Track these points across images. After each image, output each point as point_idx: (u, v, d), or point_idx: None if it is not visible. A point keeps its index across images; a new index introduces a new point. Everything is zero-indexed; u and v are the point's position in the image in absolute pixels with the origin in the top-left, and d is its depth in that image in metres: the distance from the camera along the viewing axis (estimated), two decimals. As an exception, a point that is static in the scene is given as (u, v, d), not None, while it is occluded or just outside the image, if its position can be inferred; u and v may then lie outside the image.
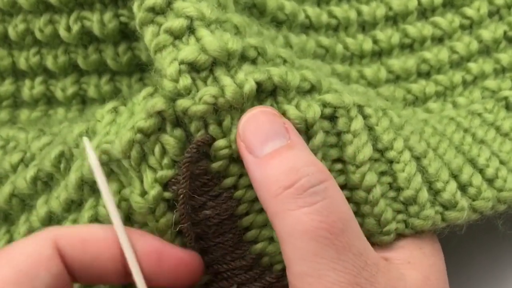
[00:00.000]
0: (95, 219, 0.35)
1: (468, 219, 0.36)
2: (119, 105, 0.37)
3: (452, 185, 0.36)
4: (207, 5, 0.32)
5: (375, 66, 0.44)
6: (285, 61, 0.34)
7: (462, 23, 0.46)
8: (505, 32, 0.46)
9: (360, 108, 0.35)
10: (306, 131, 0.33)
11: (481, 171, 0.38)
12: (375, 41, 0.44)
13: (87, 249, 0.30)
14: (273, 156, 0.30)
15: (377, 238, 0.34)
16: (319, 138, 0.33)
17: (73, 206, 0.36)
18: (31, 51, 0.43)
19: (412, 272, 0.32)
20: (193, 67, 0.31)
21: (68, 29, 0.41)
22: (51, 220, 0.37)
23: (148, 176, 0.33)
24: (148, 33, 0.33)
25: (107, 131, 0.35)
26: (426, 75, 0.45)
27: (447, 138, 0.40)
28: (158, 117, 0.32)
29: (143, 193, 0.33)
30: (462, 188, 0.36)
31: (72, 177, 0.35)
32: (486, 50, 0.46)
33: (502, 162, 0.39)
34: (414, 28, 0.45)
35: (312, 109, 0.33)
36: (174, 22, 0.32)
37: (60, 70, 0.44)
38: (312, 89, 0.34)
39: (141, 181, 0.33)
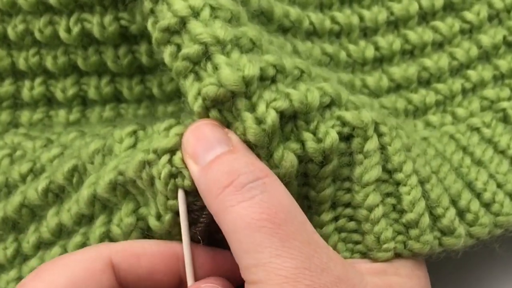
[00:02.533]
0: (107, 236, 0.36)
1: (464, 245, 0.37)
2: (138, 129, 0.37)
3: (451, 212, 0.36)
4: (220, 26, 0.32)
5: (376, 74, 0.44)
6: (302, 72, 0.34)
7: (462, 28, 0.46)
8: (504, 37, 0.46)
9: (376, 125, 0.35)
10: (322, 160, 0.33)
11: (478, 196, 0.39)
12: (377, 48, 0.44)
13: (142, 264, 0.33)
14: (214, 162, 0.31)
15: (375, 254, 0.35)
16: (331, 166, 0.34)
17: (83, 220, 0.37)
18: (30, 52, 0.43)
19: (374, 278, 0.33)
20: (215, 101, 0.32)
21: (68, 30, 0.41)
22: (61, 231, 0.38)
23: (160, 201, 0.33)
24: (166, 54, 0.33)
25: (128, 155, 0.35)
26: (426, 83, 0.45)
27: (447, 160, 0.40)
28: (176, 139, 0.33)
29: (159, 216, 0.34)
30: (460, 214, 0.37)
31: (85, 193, 0.35)
32: (485, 56, 0.46)
33: (499, 185, 0.40)
34: (415, 34, 0.45)
35: (330, 137, 0.33)
36: (191, 49, 0.32)
37: (60, 71, 0.44)
38: (332, 103, 0.35)
39: (156, 204, 0.34)
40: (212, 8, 0.32)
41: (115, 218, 0.35)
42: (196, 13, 0.32)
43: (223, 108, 0.32)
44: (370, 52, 0.44)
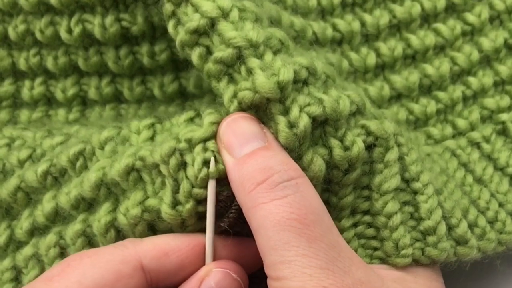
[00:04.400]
0: (112, 225, 0.35)
1: (472, 258, 0.37)
2: (156, 122, 0.37)
3: (465, 223, 0.37)
4: (252, 28, 0.32)
5: (378, 82, 0.44)
6: (328, 77, 0.35)
7: (464, 30, 0.46)
8: (505, 40, 0.46)
9: (395, 136, 0.36)
10: (347, 167, 0.34)
11: (483, 213, 0.39)
12: (378, 55, 0.44)
13: (172, 260, 0.33)
14: (250, 156, 0.31)
15: (394, 260, 0.35)
16: (355, 174, 0.34)
17: (82, 205, 0.36)
18: (31, 52, 0.43)
19: (394, 283, 0.34)
20: (251, 105, 0.32)
21: (69, 31, 0.41)
22: (56, 215, 0.37)
23: (185, 188, 0.33)
24: (195, 56, 0.33)
25: (148, 145, 0.35)
26: (427, 91, 0.45)
27: (452, 177, 0.41)
28: (212, 128, 0.33)
29: (174, 204, 0.33)
30: (469, 228, 0.38)
31: (93, 176, 0.35)
32: (486, 60, 0.46)
33: (500, 205, 0.40)
34: (417, 39, 0.45)
35: (357, 146, 0.34)
36: (224, 53, 0.32)
37: (60, 71, 0.43)
38: (357, 112, 0.35)
39: (174, 192, 0.33)
40: (239, 10, 0.33)
41: (122, 207, 0.35)
42: (225, 14, 0.33)
43: (258, 110, 0.33)
44: (371, 60, 0.44)
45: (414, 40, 0.45)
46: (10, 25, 0.42)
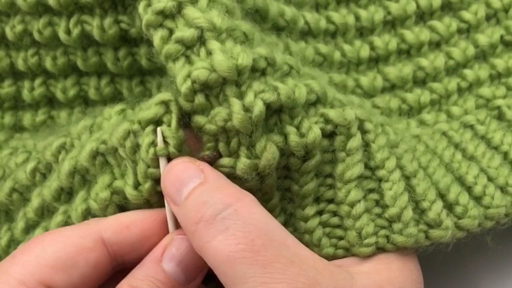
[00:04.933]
0: (89, 213, 0.36)
1: (454, 237, 0.37)
2: (127, 108, 0.37)
3: (438, 205, 0.37)
4: (217, 14, 0.32)
5: (371, 74, 0.45)
6: (291, 68, 0.35)
7: (460, 27, 0.46)
8: (501, 37, 0.46)
9: (361, 122, 0.36)
10: (304, 154, 0.34)
11: (469, 189, 0.39)
12: (372, 48, 0.45)
13: (133, 232, 0.33)
14: (187, 198, 0.31)
15: (357, 250, 0.35)
16: (314, 161, 0.35)
17: (63, 196, 0.37)
18: (29, 52, 0.43)
19: (364, 280, 0.33)
20: (205, 85, 0.32)
21: (68, 32, 0.41)
22: (43, 211, 0.38)
23: (141, 169, 0.33)
24: (157, 37, 0.33)
25: (112, 126, 0.36)
26: (422, 82, 0.45)
27: (437, 156, 0.41)
28: (162, 108, 0.33)
29: (137, 185, 0.34)
30: (449, 207, 0.38)
31: (66, 164, 0.36)
32: (482, 55, 0.46)
33: (490, 179, 0.40)
34: (412, 34, 0.45)
35: (313, 132, 0.34)
36: (185, 33, 0.32)
37: (59, 71, 0.44)
38: (317, 101, 0.35)
39: (135, 173, 0.34)
40: (209, 0, 0.33)
41: (92, 192, 0.35)
42: (194, 0, 0.33)
43: (210, 94, 0.32)
44: (365, 52, 0.44)
45: (408, 35, 0.45)
46: (8, 25, 0.42)
